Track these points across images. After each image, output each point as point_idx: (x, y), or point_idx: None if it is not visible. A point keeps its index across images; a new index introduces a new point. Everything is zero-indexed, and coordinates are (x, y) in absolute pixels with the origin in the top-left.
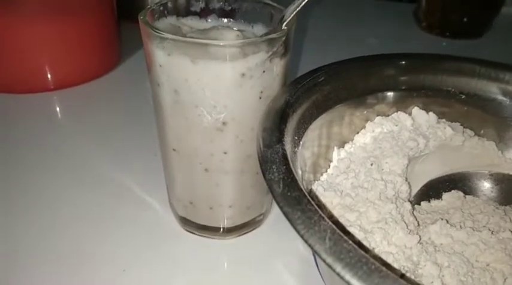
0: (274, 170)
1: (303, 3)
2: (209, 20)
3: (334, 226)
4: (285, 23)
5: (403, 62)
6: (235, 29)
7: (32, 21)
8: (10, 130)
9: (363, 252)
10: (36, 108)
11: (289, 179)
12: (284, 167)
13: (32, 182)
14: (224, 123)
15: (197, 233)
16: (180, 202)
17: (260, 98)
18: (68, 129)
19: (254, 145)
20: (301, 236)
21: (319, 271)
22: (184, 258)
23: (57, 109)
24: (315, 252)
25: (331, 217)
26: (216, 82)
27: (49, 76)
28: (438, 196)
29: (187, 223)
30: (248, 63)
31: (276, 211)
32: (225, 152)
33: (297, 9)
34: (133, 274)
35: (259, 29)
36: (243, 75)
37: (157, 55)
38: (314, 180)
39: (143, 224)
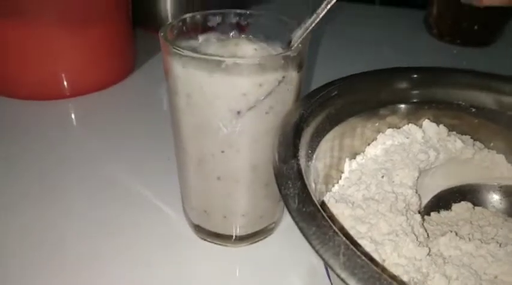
0: (290, 185)
1: (309, 29)
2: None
3: (348, 242)
4: (292, 48)
5: (415, 75)
6: (252, 43)
7: (48, 30)
8: (25, 136)
9: (375, 267)
10: (52, 115)
11: (304, 195)
12: (299, 182)
13: (45, 189)
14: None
15: (210, 240)
16: (194, 210)
17: (267, 113)
18: (83, 136)
19: (258, 156)
20: (316, 251)
21: (330, 282)
22: (197, 265)
23: (73, 116)
24: (329, 267)
25: (342, 228)
26: (230, 93)
27: (65, 83)
28: (448, 207)
29: (201, 230)
30: (263, 77)
31: (287, 219)
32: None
33: (303, 35)
34: (147, 279)
35: (275, 44)
36: (260, 85)
37: (175, 69)
38: (326, 191)
39: (157, 230)
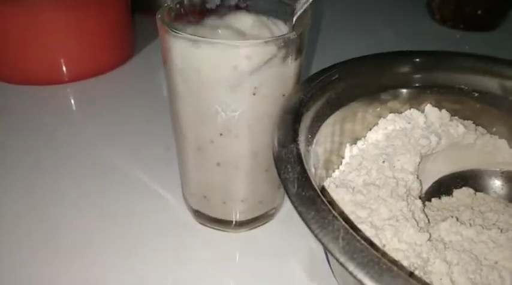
0: (289, 169)
1: None
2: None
3: (347, 226)
4: (295, 16)
5: (417, 59)
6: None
7: (47, 15)
8: (24, 121)
9: (375, 252)
10: (50, 100)
11: (304, 179)
12: (299, 166)
13: (44, 174)
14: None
15: (210, 226)
16: (194, 195)
17: (254, 94)
18: (82, 121)
19: (258, 142)
20: (315, 235)
21: (330, 267)
22: (196, 250)
23: (72, 101)
24: (328, 251)
25: (342, 213)
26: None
27: (64, 68)
28: (449, 193)
29: (201, 216)
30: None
31: (288, 205)
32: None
33: (308, 2)
34: (147, 265)
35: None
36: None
37: (173, 52)
38: (326, 176)
39: (157, 215)
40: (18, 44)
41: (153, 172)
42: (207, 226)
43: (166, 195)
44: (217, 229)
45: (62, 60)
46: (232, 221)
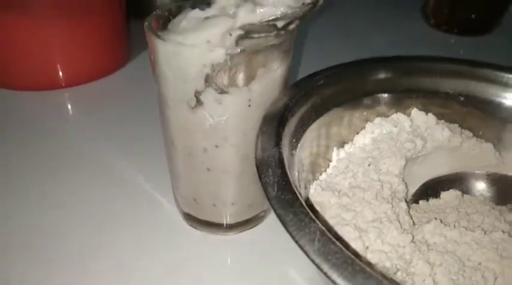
0: (270, 173)
1: None
2: None
3: (323, 228)
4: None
5: (401, 65)
6: None
7: (43, 20)
8: (21, 126)
9: (349, 253)
10: (47, 105)
11: (284, 183)
12: (279, 170)
13: (41, 179)
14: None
15: (200, 229)
16: (184, 199)
17: (249, 106)
18: (78, 126)
19: (248, 148)
20: (292, 237)
21: None
22: (188, 253)
23: (68, 106)
24: (304, 253)
25: (324, 221)
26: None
27: (60, 73)
28: (436, 195)
29: (191, 219)
30: None
31: None
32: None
33: None
34: (136, 268)
35: None
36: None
37: (158, 58)
38: (313, 179)
39: (149, 219)
40: (14, 49)
41: (147, 176)
42: (198, 229)
43: (159, 198)
44: (208, 232)
45: (59, 65)
46: (222, 224)
